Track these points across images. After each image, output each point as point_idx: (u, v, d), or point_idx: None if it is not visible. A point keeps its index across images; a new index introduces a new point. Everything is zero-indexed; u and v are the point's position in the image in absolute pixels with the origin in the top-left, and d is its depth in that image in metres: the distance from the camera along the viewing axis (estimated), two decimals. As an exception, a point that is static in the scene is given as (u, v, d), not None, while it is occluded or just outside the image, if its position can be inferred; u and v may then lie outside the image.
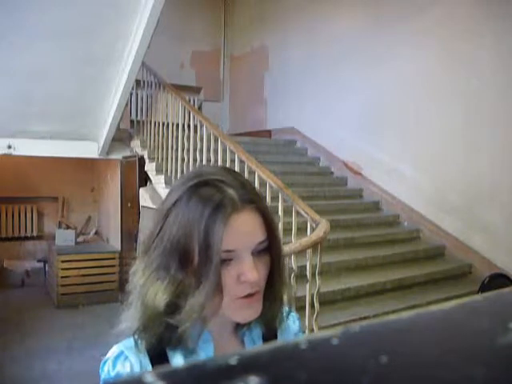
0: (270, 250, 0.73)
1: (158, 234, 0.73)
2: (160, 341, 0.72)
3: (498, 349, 0.22)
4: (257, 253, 0.71)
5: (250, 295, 0.71)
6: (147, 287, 0.72)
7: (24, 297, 6.15)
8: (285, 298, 0.82)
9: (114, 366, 0.74)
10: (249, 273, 0.69)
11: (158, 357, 0.73)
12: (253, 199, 0.72)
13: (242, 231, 0.70)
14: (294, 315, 0.91)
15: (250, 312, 0.73)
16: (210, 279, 0.68)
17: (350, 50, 5.29)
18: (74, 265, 5.92)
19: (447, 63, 4.31)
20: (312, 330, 2.71)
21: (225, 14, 7.54)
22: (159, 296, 0.70)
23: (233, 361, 0.20)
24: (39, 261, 6.95)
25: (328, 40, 5.60)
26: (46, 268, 6.77)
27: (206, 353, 0.75)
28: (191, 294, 0.69)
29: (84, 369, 3.84)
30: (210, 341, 0.76)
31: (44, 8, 3.39)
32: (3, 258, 6.81)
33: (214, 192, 0.70)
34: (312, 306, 2.73)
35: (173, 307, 0.70)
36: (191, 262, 0.70)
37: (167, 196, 0.76)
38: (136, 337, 0.74)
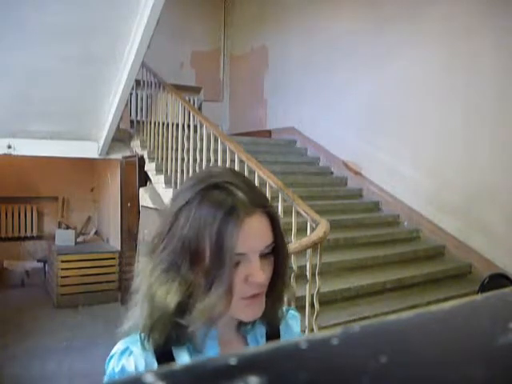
0: (276, 252, 0.75)
1: (167, 234, 0.73)
2: (167, 340, 0.73)
3: (498, 349, 0.22)
4: (264, 254, 0.73)
5: (254, 295, 0.73)
6: (156, 287, 0.72)
7: (24, 297, 6.15)
8: (285, 298, 0.85)
9: (118, 360, 0.75)
10: (257, 274, 0.71)
11: (163, 355, 0.74)
12: (263, 203, 0.74)
13: (252, 234, 0.71)
14: (292, 312, 0.93)
15: (254, 311, 0.74)
16: (223, 282, 0.69)
17: (350, 50, 5.29)
18: (73, 265, 5.92)
19: (447, 63, 4.31)
20: (312, 330, 2.71)
21: (225, 13, 7.54)
22: (170, 296, 0.71)
23: (233, 361, 0.20)
24: (39, 261, 6.95)
25: (328, 40, 5.60)
26: (46, 268, 6.77)
27: (211, 351, 0.76)
28: (202, 294, 0.70)
29: (83, 369, 3.84)
30: (215, 339, 0.77)
31: (44, 8, 3.39)
32: (3, 258, 6.80)
33: (225, 195, 0.71)
34: (312, 305, 2.73)
35: (183, 307, 0.71)
36: (202, 263, 0.70)
37: (176, 197, 0.76)
38: (143, 336, 0.74)
